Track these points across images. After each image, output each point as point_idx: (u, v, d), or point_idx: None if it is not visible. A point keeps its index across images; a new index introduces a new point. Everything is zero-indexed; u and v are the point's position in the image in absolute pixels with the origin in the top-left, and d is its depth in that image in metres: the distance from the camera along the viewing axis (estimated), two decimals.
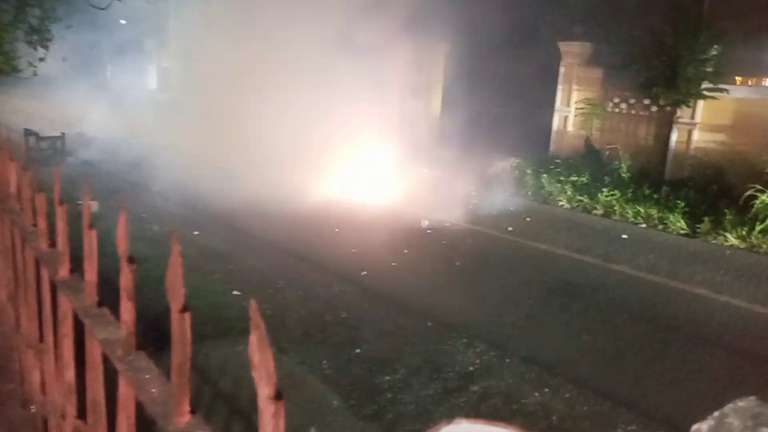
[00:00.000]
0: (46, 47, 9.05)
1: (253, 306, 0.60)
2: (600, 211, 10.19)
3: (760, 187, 9.10)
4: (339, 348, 4.57)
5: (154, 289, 2.85)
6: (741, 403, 0.40)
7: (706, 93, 10.67)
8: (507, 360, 4.54)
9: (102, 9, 8.47)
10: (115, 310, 1.18)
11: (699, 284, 6.69)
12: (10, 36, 8.22)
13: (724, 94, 10.58)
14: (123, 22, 19.57)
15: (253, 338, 0.60)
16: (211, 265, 6.24)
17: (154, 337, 2.59)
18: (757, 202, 8.94)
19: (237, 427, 3.43)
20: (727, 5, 10.97)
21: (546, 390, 4.11)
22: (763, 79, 11.47)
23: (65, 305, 1.34)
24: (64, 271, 1.36)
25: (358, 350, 4.56)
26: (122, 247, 0.99)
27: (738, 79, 11.11)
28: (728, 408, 0.40)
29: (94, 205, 7.87)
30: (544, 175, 11.53)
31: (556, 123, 13.53)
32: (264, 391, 0.60)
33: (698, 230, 8.93)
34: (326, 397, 3.85)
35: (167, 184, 9.60)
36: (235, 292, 5.54)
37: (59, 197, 1.33)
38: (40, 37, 8.85)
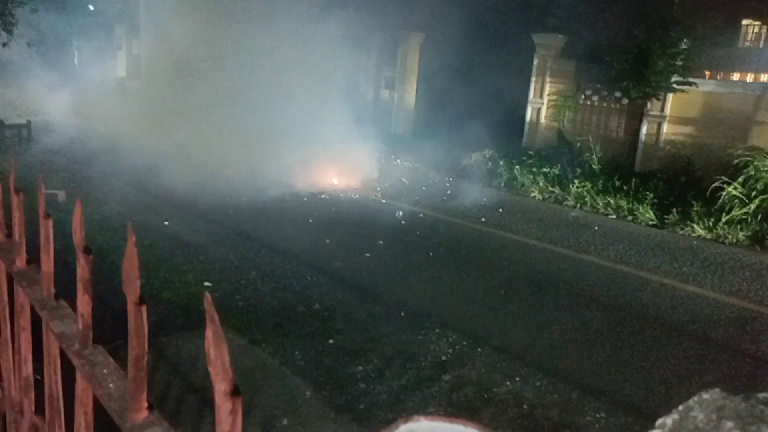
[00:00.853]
0: (9, 32, 8.77)
1: (207, 299, 0.57)
2: (571, 202, 10.31)
3: (726, 179, 9.30)
4: (312, 339, 4.55)
5: (119, 281, 2.79)
6: (705, 396, 0.39)
7: (675, 86, 10.85)
8: (479, 349, 4.56)
9: None
10: (74, 301, 1.15)
11: (666, 274, 6.82)
12: None
13: (693, 88, 10.77)
14: (91, 7, 19.09)
15: (209, 332, 0.57)
16: (181, 257, 6.15)
17: (118, 329, 2.54)
18: (724, 193, 9.13)
19: (209, 419, 3.39)
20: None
21: (517, 379, 4.15)
22: (731, 73, 11.71)
23: (22, 297, 1.29)
24: (20, 262, 1.31)
25: (330, 341, 4.54)
26: (78, 237, 0.95)
27: (707, 73, 11.32)
28: (693, 401, 0.39)
29: (62, 195, 7.67)
30: (517, 167, 11.62)
31: (529, 115, 13.63)
32: (221, 386, 0.58)
33: (667, 221, 9.09)
34: (298, 388, 3.83)
35: (136, 173, 9.42)
36: (206, 284, 5.46)
37: (15, 185, 1.27)
38: (3, 21, 8.58)
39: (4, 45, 8.17)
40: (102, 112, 13.69)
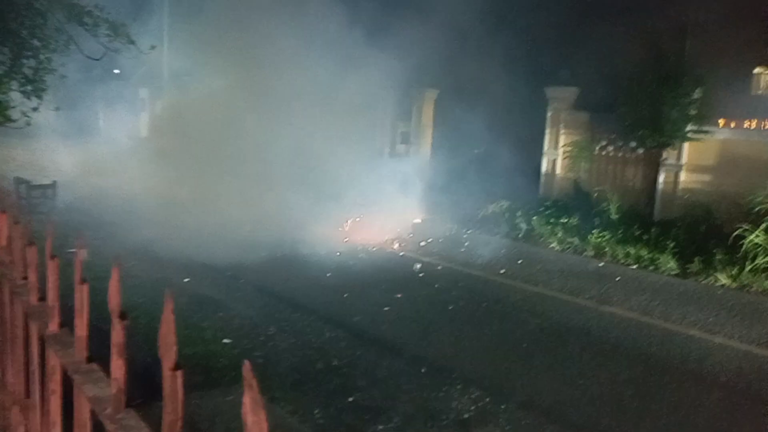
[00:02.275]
0: (40, 97, 9.12)
1: (246, 367, 0.59)
2: (591, 253, 10.23)
3: (747, 227, 9.19)
4: (331, 396, 4.49)
5: (143, 338, 2.81)
6: None
7: (690, 135, 10.89)
8: (502, 406, 4.47)
9: (96, 60, 8.59)
10: (105, 363, 1.17)
11: (692, 325, 6.68)
12: (5, 87, 8.30)
13: (709, 136, 10.79)
14: (117, 71, 19.85)
15: (247, 399, 0.59)
16: (201, 313, 6.17)
17: (141, 387, 2.54)
18: (746, 241, 9.01)
19: None
20: (708, 48, 11.31)
21: None
22: (745, 120, 11.73)
23: (54, 361, 1.32)
24: (53, 326, 1.35)
25: (350, 398, 4.48)
26: (114, 302, 0.99)
27: (721, 121, 11.35)
28: None
29: (83, 253, 7.80)
30: (535, 218, 11.61)
31: (544, 166, 13.71)
32: None
33: (689, 270, 8.96)
34: None
35: (158, 230, 9.56)
36: (225, 341, 5.46)
37: (51, 251, 1.32)
38: (34, 87, 8.94)
39: (34, 110, 8.47)
40: (124, 171, 14.03)
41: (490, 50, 12.00)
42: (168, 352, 0.78)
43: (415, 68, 12.93)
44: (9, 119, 7.87)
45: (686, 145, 11.19)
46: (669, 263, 9.19)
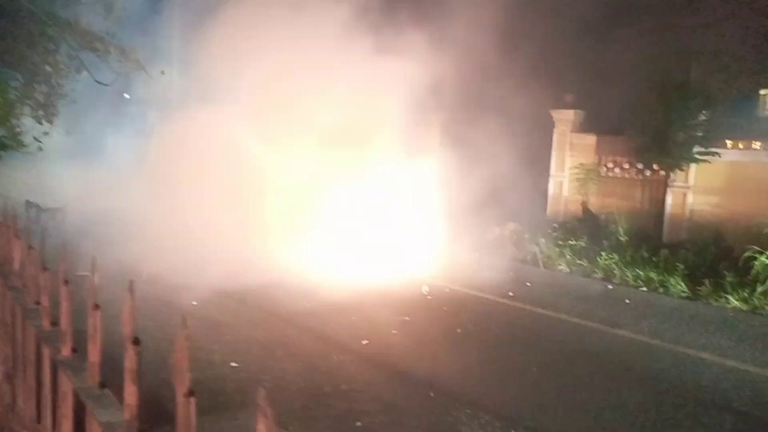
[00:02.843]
0: (51, 122, 9.27)
1: (260, 394, 0.60)
2: (600, 275, 10.17)
3: (758, 248, 9.12)
4: (339, 421, 4.46)
5: (150, 362, 2.81)
6: None
7: (698, 157, 10.88)
8: (512, 431, 4.41)
9: (106, 85, 8.73)
10: (113, 387, 1.18)
11: (704, 348, 6.60)
12: (17, 112, 8.44)
13: (717, 158, 10.78)
14: (126, 96, 20.09)
15: (261, 427, 0.60)
16: (209, 336, 6.15)
17: (148, 412, 2.53)
18: (757, 263, 8.93)
19: None
20: (714, 69, 11.36)
21: None
22: (753, 142, 11.72)
23: (66, 385, 1.33)
24: (66, 351, 1.35)
25: (359, 423, 4.44)
26: (127, 328, 1.00)
27: (729, 142, 11.35)
28: None
29: (96, 278, 7.83)
30: (542, 240, 11.57)
31: (551, 188, 13.71)
32: None
33: (699, 293, 8.88)
34: None
35: (167, 253, 9.58)
36: (233, 364, 5.44)
37: (64, 276, 1.34)
38: (46, 112, 9.10)
39: (45, 134, 8.60)
40: (132, 195, 14.11)
41: (495, 71, 12.08)
42: (182, 379, 0.79)
43: (419, 93, 13.01)
44: (21, 144, 8.00)
45: (694, 167, 11.18)
46: (679, 285, 9.11)
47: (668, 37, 12.11)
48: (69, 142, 15.97)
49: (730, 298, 8.52)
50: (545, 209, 13.65)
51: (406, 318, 7.26)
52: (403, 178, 11.76)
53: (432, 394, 5.03)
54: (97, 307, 1.13)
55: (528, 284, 9.48)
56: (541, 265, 11.09)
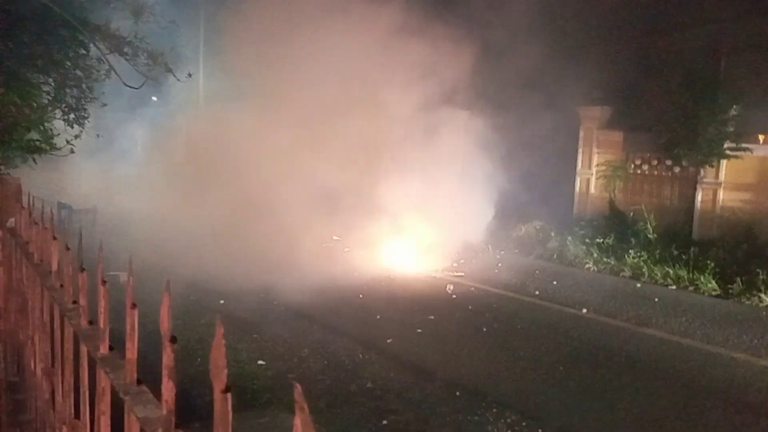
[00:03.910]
0: (82, 125, 9.47)
1: (297, 389, 0.62)
2: (628, 273, 10.03)
3: None
4: (365, 419, 4.49)
5: (179, 359, 2.86)
6: None
7: (728, 153, 10.65)
8: (539, 430, 4.39)
9: (135, 88, 8.88)
10: (150, 386, 1.21)
11: (736, 347, 6.47)
12: (48, 116, 8.64)
13: (748, 153, 10.54)
14: (155, 98, 20.43)
15: (298, 422, 0.62)
16: (236, 335, 6.24)
17: (180, 408, 2.59)
18: None
19: None
20: (744, 64, 11.13)
21: None
22: None
23: (104, 382, 1.37)
24: (104, 349, 1.40)
25: (384, 422, 4.46)
26: (165, 326, 1.03)
27: (761, 137, 11.09)
28: None
29: (123, 276, 7.99)
30: (569, 238, 11.46)
31: (578, 185, 13.56)
32: None
33: (731, 291, 8.71)
34: None
35: (195, 253, 9.73)
36: (260, 362, 5.51)
37: (102, 276, 1.38)
38: (77, 115, 9.29)
39: (76, 137, 8.79)
40: (160, 195, 14.35)
41: (519, 68, 11.99)
42: (219, 375, 0.82)
43: (444, 91, 12.98)
44: (54, 148, 8.19)
45: (724, 163, 10.95)
46: (709, 284, 8.95)
47: (698, 32, 11.89)
48: (98, 144, 16.30)
49: (763, 296, 8.33)
50: (572, 207, 13.50)
51: (431, 317, 7.26)
52: (430, 176, 11.75)
53: (458, 393, 5.03)
54: (134, 306, 1.17)
55: (554, 282, 9.40)
56: (567, 263, 10.99)
